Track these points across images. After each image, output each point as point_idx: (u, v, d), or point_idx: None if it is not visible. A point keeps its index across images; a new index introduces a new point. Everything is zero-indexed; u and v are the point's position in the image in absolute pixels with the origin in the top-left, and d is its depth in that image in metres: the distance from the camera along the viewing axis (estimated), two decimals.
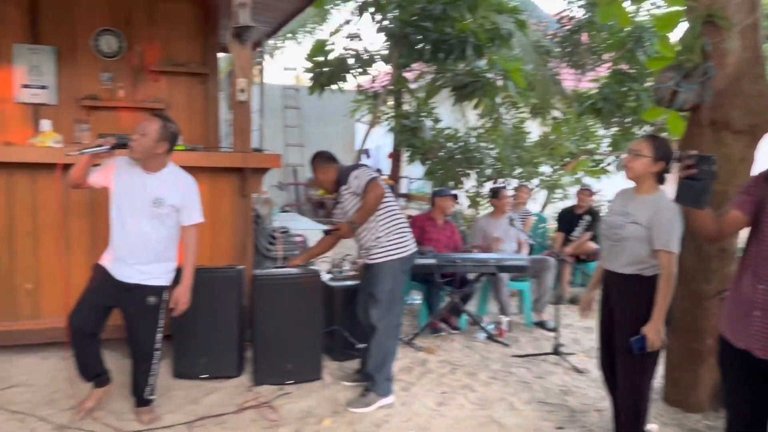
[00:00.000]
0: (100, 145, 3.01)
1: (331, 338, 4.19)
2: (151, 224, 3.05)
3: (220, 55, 7.00)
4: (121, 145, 3.04)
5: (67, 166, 3.21)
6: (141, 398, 3.24)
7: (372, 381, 3.53)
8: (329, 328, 4.17)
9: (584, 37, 9.11)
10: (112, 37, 5.80)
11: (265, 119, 13.26)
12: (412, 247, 3.67)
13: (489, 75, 7.14)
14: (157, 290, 3.13)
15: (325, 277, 4.40)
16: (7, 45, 5.48)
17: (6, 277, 3.93)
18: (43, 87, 5.58)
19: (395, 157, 10.99)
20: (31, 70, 5.53)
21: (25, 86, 5.52)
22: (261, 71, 7.57)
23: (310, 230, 6.99)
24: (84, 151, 2.99)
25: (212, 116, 6.23)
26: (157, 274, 3.12)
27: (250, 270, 4.19)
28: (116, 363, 3.63)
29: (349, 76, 7.79)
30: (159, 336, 3.20)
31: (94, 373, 3.20)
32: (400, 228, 3.63)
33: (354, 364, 4.11)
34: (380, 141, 14.63)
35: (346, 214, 3.66)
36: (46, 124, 4.22)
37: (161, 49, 5.98)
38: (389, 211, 3.60)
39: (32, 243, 3.96)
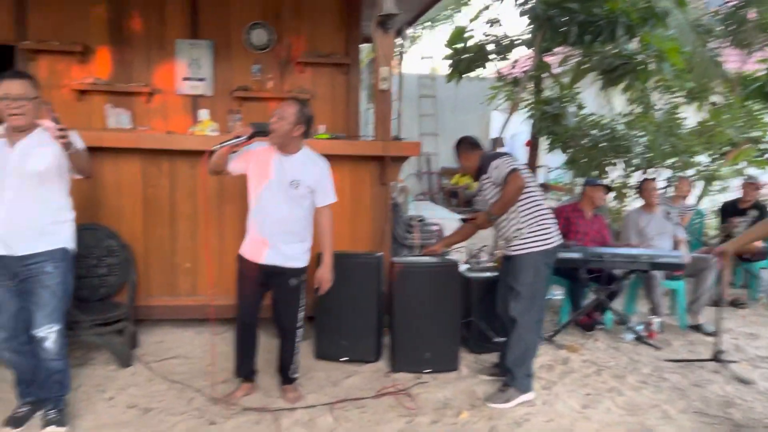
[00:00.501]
0: (238, 136, 3.11)
1: (467, 330, 4.12)
2: (289, 206, 3.14)
3: (362, 46, 7.12)
4: (259, 133, 3.16)
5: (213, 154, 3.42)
6: (286, 376, 3.38)
7: (511, 376, 3.42)
8: (466, 319, 4.10)
9: (752, 14, 8.21)
10: (263, 30, 6.07)
11: (403, 109, 13.40)
12: (556, 240, 3.49)
13: (641, 57, 6.64)
14: (297, 272, 3.25)
15: (462, 267, 4.32)
16: (170, 40, 5.92)
17: (168, 257, 4.26)
18: (201, 79, 5.97)
19: (533, 145, 10.61)
20: (191, 64, 5.94)
21: (186, 79, 5.95)
22: (401, 60, 7.58)
23: (446, 219, 6.95)
24: (224, 143, 3.11)
25: (353, 106, 6.36)
26: (296, 255, 3.22)
27: (388, 257, 4.22)
28: (262, 342, 3.79)
29: (488, 63, 7.60)
30: (301, 315, 3.34)
31: (249, 369, 3.42)
32: (544, 219, 3.46)
33: (490, 357, 4.02)
34: (516, 129, 14.26)
35: (486, 203, 3.55)
36: (204, 114, 4.51)
37: (307, 41, 6.19)
38: (532, 202, 3.44)
39: (191, 225, 4.25)
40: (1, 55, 5.74)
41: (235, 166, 3.24)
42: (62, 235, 2.86)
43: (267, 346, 3.72)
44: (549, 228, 3.46)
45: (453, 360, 3.84)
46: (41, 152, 2.74)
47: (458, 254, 5.48)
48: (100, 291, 3.96)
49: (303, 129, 3.16)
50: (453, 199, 13.30)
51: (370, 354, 3.93)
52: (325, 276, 3.23)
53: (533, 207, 3.43)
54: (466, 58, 7.54)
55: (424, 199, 12.58)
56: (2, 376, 3.43)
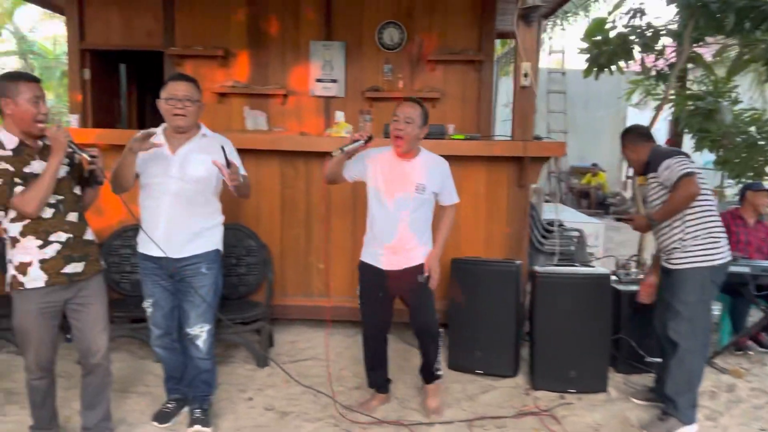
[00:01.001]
0: (355, 140, 2.97)
1: (615, 347, 3.78)
2: (414, 210, 3.00)
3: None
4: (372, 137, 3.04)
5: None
6: (431, 373, 3.23)
7: (673, 405, 3.06)
8: (614, 335, 3.77)
9: None
10: (395, 29, 6.00)
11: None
12: (725, 255, 3.07)
13: None
14: (422, 268, 3.08)
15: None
16: (305, 43, 6.01)
17: (303, 257, 4.28)
18: (333, 81, 6.00)
19: (674, 144, 9.81)
20: (324, 65, 5.99)
21: (319, 80, 6.00)
22: (537, 56, 7.23)
23: (580, 223, 6.54)
24: (344, 148, 2.96)
25: (486, 104, 6.13)
26: (420, 255, 3.07)
27: (526, 265, 3.98)
28: (393, 347, 3.69)
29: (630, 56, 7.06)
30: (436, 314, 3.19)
31: (382, 380, 3.31)
32: (714, 231, 3.05)
33: (642, 378, 3.66)
34: (654, 126, 13.34)
35: (649, 204, 3.21)
36: (339, 116, 4.49)
37: (438, 39, 6.05)
38: (703, 211, 3.04)
39: (325, 226, 4.24)
40: (152, 60, 6.10)
41: (352, 173, 3.12)
42: (215, 238, 2.93)
43: (400, 352, 3.61)
44: (719, 241, 3.06)
45: (601, 380, 3.53)
46: (201, 159, 2.78)
47: (607, 263, 5.13)
48: (240, 290, 4.04)
49: (427, 130, 3.05)
50: (583, 200, 12.65)
51: (507, 368, 3.71)
52: (433, 264, 3.05)
53: (703, 216, 3.04)
54: (606, 51, 7.05)
55: (551, 200, 12.07)
56: (151, 369, 3.59)
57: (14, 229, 2.46)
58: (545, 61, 13.48)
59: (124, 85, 7.01)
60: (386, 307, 3.18)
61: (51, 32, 14.87)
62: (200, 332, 2.87)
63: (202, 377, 2.95)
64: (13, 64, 15.43)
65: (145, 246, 2.83)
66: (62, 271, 2.49)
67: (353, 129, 4.46)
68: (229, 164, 2.68)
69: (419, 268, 3.07)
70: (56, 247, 2.49)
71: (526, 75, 4.09)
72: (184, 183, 2.77)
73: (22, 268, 2.47)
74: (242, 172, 2.87)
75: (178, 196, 2.77)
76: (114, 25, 6.05)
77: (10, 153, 2.41)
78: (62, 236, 2.50)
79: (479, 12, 6.02)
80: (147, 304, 2.91)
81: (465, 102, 6.13)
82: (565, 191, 12.99)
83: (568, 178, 13.12)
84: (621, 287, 3.86)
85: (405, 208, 3.00)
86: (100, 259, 2.70)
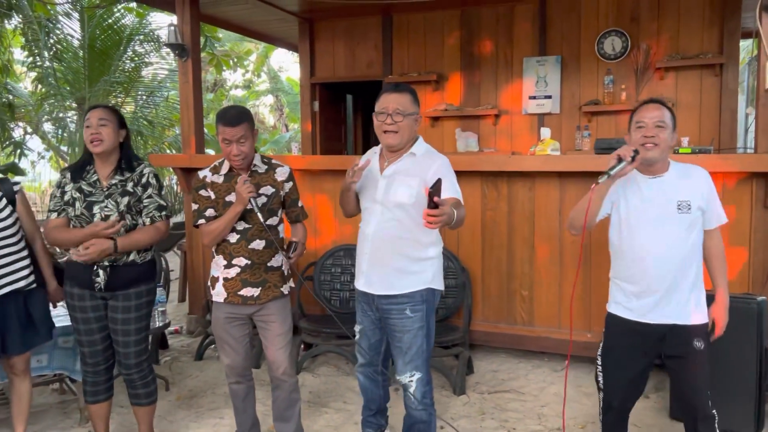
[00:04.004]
0: (620, 160, 2.22)
1: None
2: (676, 239, 2.33)
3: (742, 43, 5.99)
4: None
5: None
6: None
7: None
8: None
9: None
10: (617, 37, 5.55)
11: None
12: None
13: None
14: (702, 330, 2.38)
15: None
16: (518, 60, 5.85)
17: (505, 282, 4.09)
18: (547, 97, 5.74)
19: None
20: (537, 82, 5.76)
21: (532, 97, 5.78)
22: None
23: None
24: (611, 172, 2.22)
25: (729, 112, 5.33)
26: (694, 307, 2.37)
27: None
28: None
29: None
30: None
31: None
32: None
33: None
34: None
35: None
36: (545, 132, 4.25)
37: (669, 43, 5.45)
38: None
39: (528, 251, 4.01)
40: (375, 90, 6.44)
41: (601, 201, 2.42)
42: (426, 275, 2.54)
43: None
44: None
45: None
46: (408, 182, 2.47)
47: None
48: (439, 313, 3.97)
49: (677, 137, 2.45)
50: None
51: (747, 424, 3.09)
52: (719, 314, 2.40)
53: None
54: None
55: None
56: (352, 386, 3.69)
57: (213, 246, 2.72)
58: None
59: (350, 114, 7.52)
60: (646, 373, 2.51)
61: (298, 71, 16.80)
62: (410, 381, 2.56)
63: (418, 428, 2.64)
64: (268, 100, 17.69)
65: (356, 274, 2.68)
66: (239, 292, 2.66)
67: (560, 146, 4.17)
68: (434, 203, 2.05)
69: (698, 329, 2.38)
70: (236, 270, 2.66)
71: None
72: (387, 209, 2.49)
73: (213, 281, 2.73)
74: (457, 196, 2.43)
75: (381, 225, 2.51)
76: (339, 59, 6.54)
77: (221, 179, 2.66)
78: (242, 261, 2.65)
79: (719, 9, 5.31)
80: (356, 329, 2.76)
81: (703, 111, 5.42)
82: None
83: None
84: None
85: (666, 237, 2.35)
86: (282, 286, 2.73)
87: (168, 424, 3.26)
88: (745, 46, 7.77)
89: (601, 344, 2.55)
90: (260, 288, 2.67)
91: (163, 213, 2.78)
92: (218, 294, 2.70)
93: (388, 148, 2.53)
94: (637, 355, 2.42)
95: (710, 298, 2.44)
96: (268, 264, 2.70)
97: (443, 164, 2.51)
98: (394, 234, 2.50)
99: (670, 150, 2.39)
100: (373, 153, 2.63)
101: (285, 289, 2.76)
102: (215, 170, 2.70)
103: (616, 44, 5.55)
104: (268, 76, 16.20)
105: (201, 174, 2.72)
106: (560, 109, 5.74)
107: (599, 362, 2.54)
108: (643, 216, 2.34)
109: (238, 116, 2.57)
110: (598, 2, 5.61)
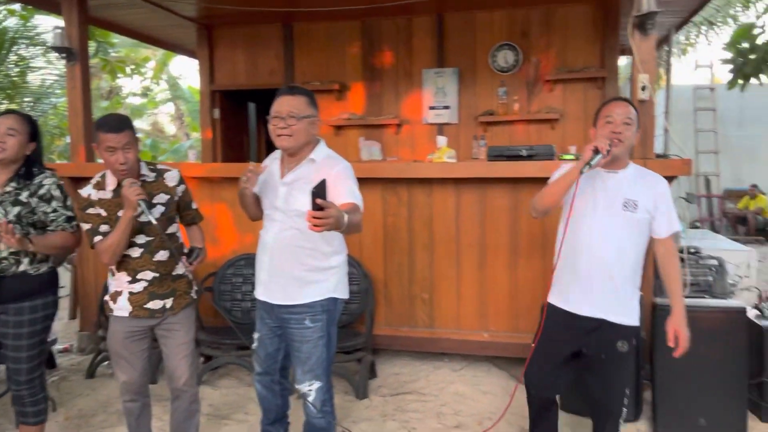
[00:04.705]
0: (597, 152, 2.29)
1: (759, 393, 3.26)
2: (618, 237, 2.40)
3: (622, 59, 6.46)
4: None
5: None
6: None
7: None
8: (756, 379, 3.24)
9: None
10: (509, 51, 5.83)
11: (672, 123, 11.96)
12: None
13: None
14: (629, 332, 2.46)
15: (751, 313, 3.46)
16: (417, 71, 6.01)
17: (407, 286, 4.17)
18: (446, 107, 5.93)
19: None
20: (436, 92, 5.94)
21: (432, 108, 5.95)
22: (668, 69, 6.69)
23: (726, 251, 5.82)
24: (592, 163, 2.29)
25: None
26: (626, 308, 2.47)
27: (649, 296, 3.57)
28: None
29: None
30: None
31: None
32: None
33: None
34: None
35: None
36: (441, 140, 4.39)
37: (556, 57, 5.78)
38: None
39: (428, 255, 4.11)
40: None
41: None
42: (328, 284, 2.49)
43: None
44: None
45: (738, 430, 3.03)
46: (309, 189, 2.28)
47: (745, 296, 4.52)
48: (342, 319, 3.97)
49: (638, 136, 2.51)
50: (741, 226, 11.40)
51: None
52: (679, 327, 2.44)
53: None
54: (752, 60, 6.35)
55: (701, 227, 10.98)
56: (254, 397, 3.63)
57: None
58: (694, 77, 12.44)
59: (253, 122, 7.42)
60: (570, 364, 2.59)
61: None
62: (309, 390, 2.52)
63: None
64: (168, 108, 17.14)
65: (256, 283, 2.59)
66: (145, 305, 2.56)
67: (456, 154, 4.32)
68: (317, 205, 1.93)
69: (626, 330, 2.46)
70: (143, 284, 2.56)
71: (644, 88, 3.73)
72: (288, 217, 2.41)
73: (114, 296, 2.60)
74: (355, 200, 2.32)
75: (282, 234, 2.43)
76: (240, 66, 6.45)
77: (110, 195, 2.52)
78: (149, 275, 2.55)
79: (601, 27, 5.70)
80: (254, 338, 2.67)
81: (588, 121, 5.75)
82: (719, 217, 11.78)
83: (723, 202, 11.89)
84: (765, 323, 3.33)
85: (606, 233, 2.42)
86: (190, 291, 2.68)
87: None
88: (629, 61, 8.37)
89: (535, 334, 2.58)
90: (171, 298, 2.59)
91: (74, 223, 2.66)
92: (121, 309, 2.57)
93: (284, 152, 2.46)
94: (564, 346, 2.51)
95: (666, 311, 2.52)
96: (174, 273, 2.63)
97: (343, 169, 2.42)
98: (295, 243, 2.42)
99: (631, 148, 2.45)
100: (274, 159, 2.57)
101: (194, 294, 2.70)
102: (99, 186, 2.54)
103: (509, 57, 5.82)
104: (168, 84, 15.70)
105: (84, 193, 2.54)
106: (458, 119, 5.95)
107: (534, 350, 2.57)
108: (591, 209, 2.41)
109: (120, 122, 2.44)
110: (492, 17, 5.87)
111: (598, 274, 2.40)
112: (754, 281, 5.85)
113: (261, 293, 2.55)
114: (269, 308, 2.55)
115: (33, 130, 2.69)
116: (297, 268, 2.44)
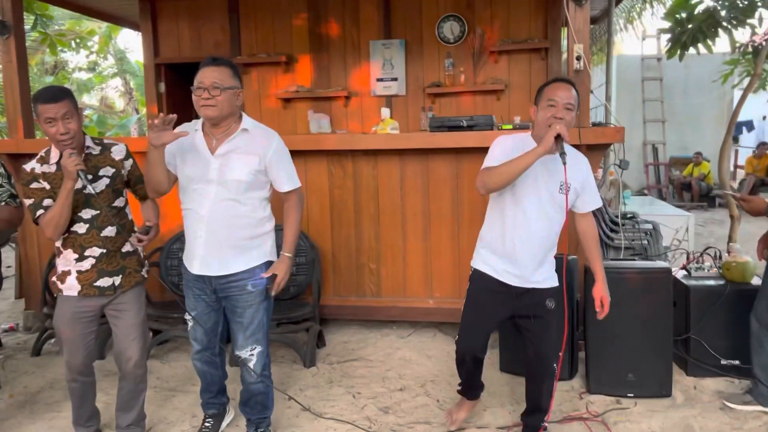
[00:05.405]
0: (559, 137, 2.33)
1: (685, 349, 3.45)
2: (550, 216, 2.53)
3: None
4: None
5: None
6: (535, 426, 2.74)
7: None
8: (683, 335, 3.43)
9: None
10: (455, 22, 5.87)
11: (619, 94, 12.21)
12: None
13: None
14: (553, 292, 2.64)
15: (679, 273, 3.64)
16: (365, 43, 6.00)
17: (354, 257, 4.24)
18: (393, 79, 5.96)
19: None
20: (384, 64, 5.95)
21: (379, 80, 5.98)
22: (609, 41, 6.82)
23: (667, 216, 6.07)
24: (564, 156, 2.37)
25: None
26: (552, 274, 2.65)
27: (583, 261, 3.71)
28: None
29: (721, 33, 6.46)
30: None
31: (475, 390, 2.90)
32: None
33: (716, 383, 3.31)
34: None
35: None
36: (385, 112, 4.42)
37: (501, 29, 5.85)
38: None
39: (374, 226, 4.18)
40: None
41: None
42: (264, 249, 2.59)
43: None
44: None
45: (663, 384, 3.21)
46: (245, 160, 2.46)
47: (682, 259, 4.74)
48: (290, 290, 4.05)
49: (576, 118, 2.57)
50: (686, 192, 11.80)
51: (562, 371, 3.44)
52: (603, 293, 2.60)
53: None
54: (690, 29, 6.51)
55: (648, 194, 11.33)
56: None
57: (59, 241, 2.57)
58: (639, 48, 12.68)
59: None
60: (496, 327, 2.80)
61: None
62: (250, 355, 2.60)
63: (257, 399, 2.71)
64: (117, 84, 16.66)
65: (187, 259, 2.60)
66: (95, 284, 2.56)
67: (399, 125, 4.37)
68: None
69: (552, 291, 2.63)
70: (91, 261, 2.55)
71: (578, 58, 3.83)
72: (224, 189, 2.45)
73: (62, 276, 2.59)
74: (294, 185, 2.61)
75: (217, 205, 2.46)
76: (185, 39, 6.34)
77: (54, 168, 2.50)
78: (96, 251, 2.55)
79: None
80: (188, 318, 2.69)
81: (532, 92, 5.86)
82: (665, 184, 12.16)
83: (669, 170, 12.27)
84: (692, 282, 3.51)
85: (542, 212, 2.53)
86: (140, 270, 2.69)
87: None
88: None
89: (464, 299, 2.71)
90: (120, 276, 2.60)
91: (18, 200, 2.63)
92: (70, 288, 2.56)
93: (209, 122, 2.46)
94: (495, 310, 2.63)
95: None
96: (123, 250, 2.63)
97: (278, 146, 2.54)
98: (232, 213, 2.48)
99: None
100: (194, 129, 2.52)
101: (144, 273, 2.72)
102: (43, 160, 2.53)
103: (455, 29, 5.86)
104: (115, 58, 15.24)
105: (28, 167, 2.53)
106: (406, 90, 5.99)
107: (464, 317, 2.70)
108: (531, 188, 2.48)
109: (58, 92, 2.43)
110: None
111: (528, 249, 2.54)
112: (692, 245, 6.13)
113: (197, 268, 2.55)
114: (206, 282, 2.57)
115: None
116: (235, 237, 2.51)
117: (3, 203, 2.62)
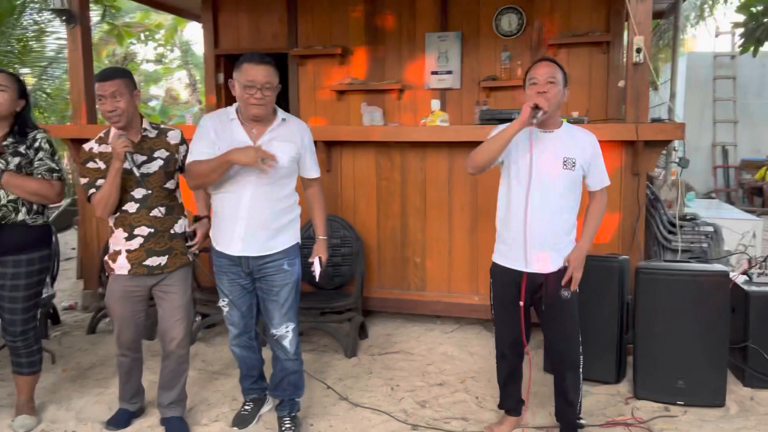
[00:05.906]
0: (538, 108, 2.39)
1: (743, 358, 3.27)
2: (560, 195, 2.50)
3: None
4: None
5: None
6: (568, 423, 2.70)
7: None
8: (740, 344, 3.25)
9: None
10: (513, 14, 5.74)
11: (689, 93, 11.70)
12: None
13: None
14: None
15: (740, 279, 3.45)
16: (421, 35, 5.95)
17: (399, 250, 4.21)
18: (448, 72, 5.88)
19: None
20: (439, 57, 5.89)
21: (434, 73, 5.91)
22: (674, 34, 6.54)
23: (732, 220, 5.77)
24: (535, 121, 2.39)
25: (616, 87, 5.64)
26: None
27: (637, 261, 3.57)
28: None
29: None
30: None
31: (513, 402, 2.83)
32: None
33: None
34: None
35: None
36: (435, 104, 4.36)
37: (561, 21, 5.69)
38: None
39: (421, 219, 4.14)
40: (279, 62, 6.39)
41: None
42: (294, 231, 2.72)
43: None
44: None
45: (717, 393, 3.05)
46: (284, 147, 2.57)
47: (734, 263, 4.50)
48: (334, 280, 4.07)
49: (567, 94, 2.58)
50: (757, 197, 11.21)
51: (608, 374, 3.35)
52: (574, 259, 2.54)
53: None
54: (766, 23, 6.17)
55: (715, 197, 10.82)
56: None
57: (111, 220, 2.68)
58: (711, 45, 12.12)
59: None
60: (527, 316, 2.68)
61: None
62: (286, 332, 2.69)
63: (290, 379, 2.76)
64: (181, 75, 17.17)
65: (223, 243, 2.64)
66: (144, 263, 2.64)
67: (448, 118, 4.31)
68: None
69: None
70: (140, 240, 2.64)
71: (638, 50, 3.68)
72: (266, 174, 2.51)
73: (114, 256, 2.69)
74: (318, 173, 2.82)
75: (260, 189, 2.56)
76: (243, 31, 6.44)
77: (110, 148, 2.57)
78: (145, 230, 2.64)
79: None
80: (223, 303, 2.75)
81: (592, 86, 5.70)
82: (735, 187, 11.59)
83: (740, 173, 11.69)
84: (752, 288, 3.32)
85: (548, 192, 2.52)
86: (187, 252, 2.75)
87: (49, 394, 3.21)
88: None
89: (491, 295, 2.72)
90: (167, 256, 2.68)
91: (55, 175, 2.74)
92: (121, 267, 2.67)
93: (253, 118, 2.55)
94: (511, 299, 2.60)
95: None
96: (171, 231, 2.71)
97: (310, 137, 2.76)
98: (272, 197, 2.60)
99: (560, 106, 2.53)
100: (229, 119, 2.58)
101: (190, 256, 2.78)
102: (101, 141, 2.65)
103: (513, 21, 5.74)
104: (180, 50, 15.70)
105: (86, 147, 2.67)
106: (461, 84, 5.90)
107: (493, 312, 2.73)
108: (533, 168, 2.49)
109: (112, 71, 2.59)
110: None
111: (539, 232, 2.51)
112: (758, 251, 5.81)
113: (238, 249, 2.61)
114: (243, 264, 2.64)
115: (22, 88, 2.77)
116: (274, 219, 2.62)
117: (39, 175, 2.71)
